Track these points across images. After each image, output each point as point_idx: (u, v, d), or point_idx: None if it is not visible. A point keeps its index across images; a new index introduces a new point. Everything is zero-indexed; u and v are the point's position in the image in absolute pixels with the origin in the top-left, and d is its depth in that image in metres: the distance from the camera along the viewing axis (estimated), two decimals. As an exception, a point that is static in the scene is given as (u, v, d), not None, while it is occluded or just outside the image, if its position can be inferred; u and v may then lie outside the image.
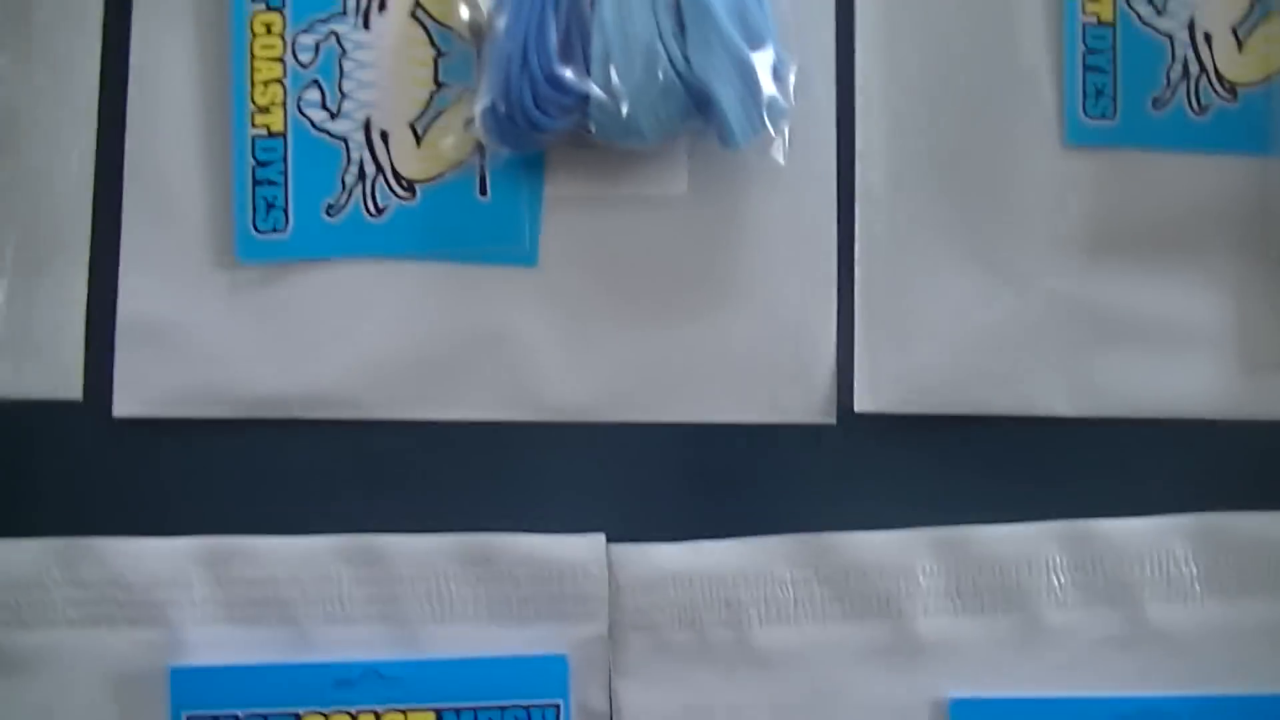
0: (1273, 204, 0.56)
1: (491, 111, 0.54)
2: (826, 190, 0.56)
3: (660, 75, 0.52)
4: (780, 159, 0.54)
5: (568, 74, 0.53)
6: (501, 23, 0.54)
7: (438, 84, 0.56)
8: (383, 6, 0.57)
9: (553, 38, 0.53)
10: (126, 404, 0.56)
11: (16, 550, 0.55)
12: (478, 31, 0.55)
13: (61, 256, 0.57)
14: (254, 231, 0.55)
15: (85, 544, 0.55)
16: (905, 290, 0.56)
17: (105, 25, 0.58)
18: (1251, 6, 0.57)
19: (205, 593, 0.55)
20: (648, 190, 0.56)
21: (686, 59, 0.52)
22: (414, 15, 0.56)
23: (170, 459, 0.57)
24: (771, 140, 0.54)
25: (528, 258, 0.55)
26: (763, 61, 0.53)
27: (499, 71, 0.53)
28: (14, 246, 0.57)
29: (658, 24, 0.52)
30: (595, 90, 0.53)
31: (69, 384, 0.57)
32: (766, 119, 0.53)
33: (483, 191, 0.55)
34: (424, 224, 0.56)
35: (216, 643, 0.55)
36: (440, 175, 0.56)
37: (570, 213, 0.56)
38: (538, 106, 0.53)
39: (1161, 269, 0.56)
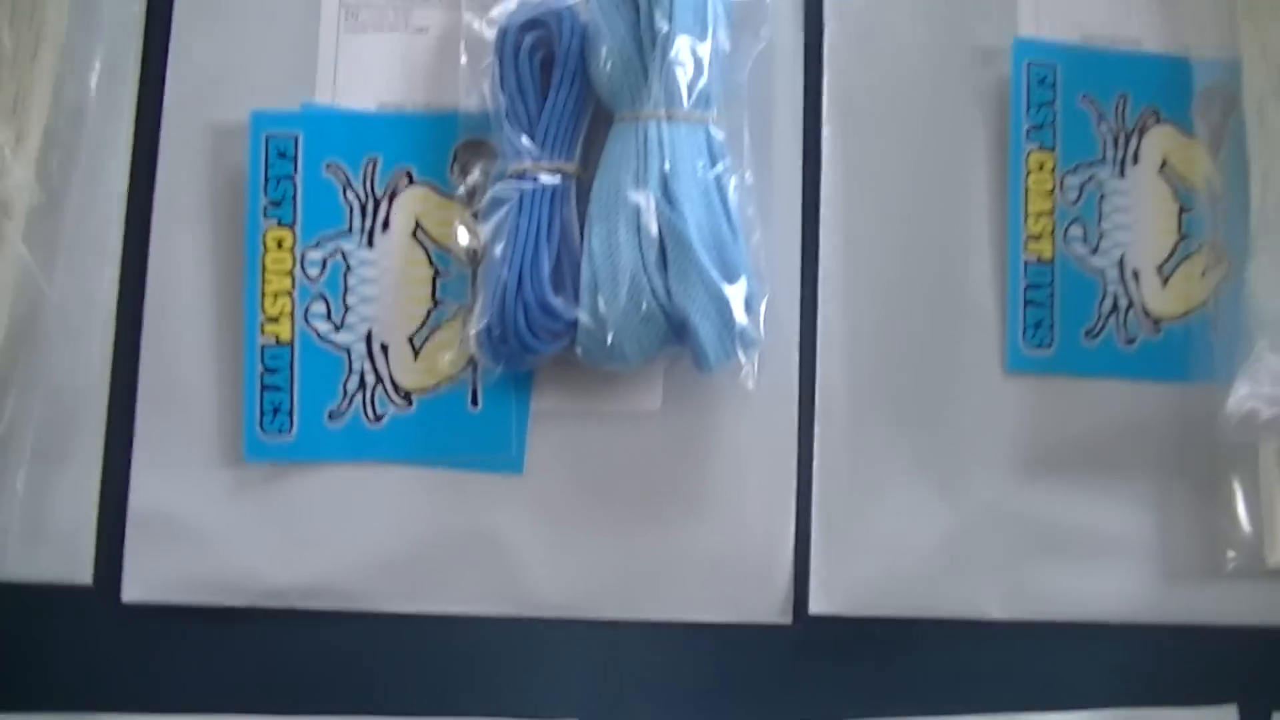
0: (1191, 426, 0.62)
1: (487, 333, 0.59)
2: (789, 412, 0.61)
3: (643, 305, 0.57)
4: (749, 384, 0.59)
5: (558, 302, 0.58)
6: (498, 249, 0.59)
7: (435, 301, 0.61)
8: (386, 226, 0.61)
9: (545, 266, 0.58)
10: (135, 590, 0.60)
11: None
12: (474, 255, 0.60)
13: (78, 448, 0.61)
14: (260, 433, 0.60)
15: None
16: (858, 503, 0.61)
17: (127, 230, 0.63)
18: (1175, 247, 0.62)
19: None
20: (626, 407, 0.61)
21: (668, 290, 0.57)
22: (415, 236, 0.61)
23: (175, 644, 0.61)
24: (742, 366, 0.59)
25: (515, 465, 0.60)
26: (736, 294, 0.58)
27: (495, 296, 0.58)
28: (33, 436, 0.61)
29: (642, 257, 0.57)
30: (583, 317, 0.58)
31: (80, 569, 0.61)
32: (738, 347, 0.58)
33: (474, 403, 0.60)
34: (419, 432, 0.61)
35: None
36: (436, 387, 0.61)
37: (555, 425, 0.61)
38: (530, 331, 0.58)
39: (1091, 484, 0.62)
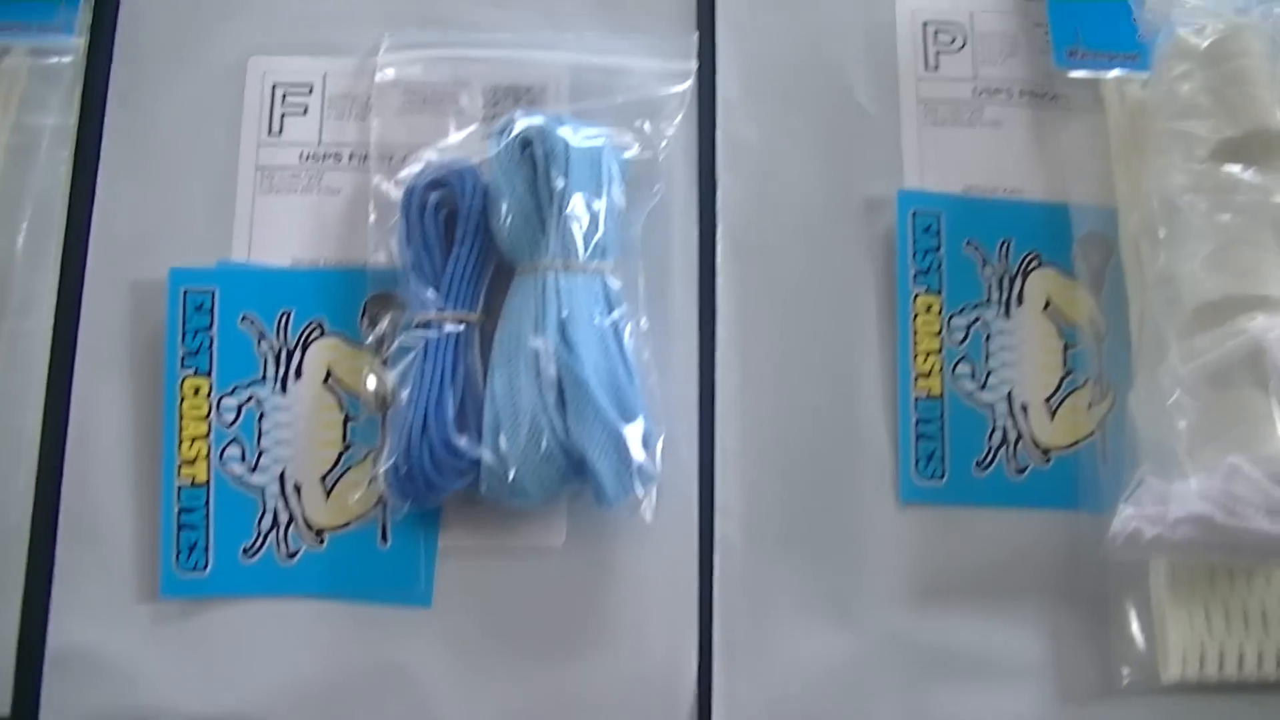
0: (1081, 552, 0.64)
1: (394, 471, 0.61)
2: (689, 543, 0.64)
3: (543, 444, 0.60)
4: (648, 516, 0.62)
5: (462, 441, 0.61)
6: (405, 393, 0.62)
7: (346, 444, 0.64)
8: (299, 374, 0.64)
9: (450, 409, 0.61)
10: (52, 722, 0.62)
11: None
12: (382, 400, 0.63)
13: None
14: (177, 569, 0.62)
15: None
16: (759, 631, 0.63)
17: (50, 376, 0.66)
18: (1061, 382, 0.65)
19: None
20: (530, 542, 0.63)
21: (566, 430, 0.60)
22: (326, 383, 0.64)
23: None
24: (640, 501, 0.61)
25: (423, 599, 0.63)
26: (633, 433, 0.61)
27: (401, 436, 0.61)
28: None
29: (542, 399, 0.60)
30: (487, 456, 0.60)
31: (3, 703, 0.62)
32: (636, 482, 0.60)
33: (384, 539, 0.63)
34: (331, 567, 0.63)
35: None
36: (347, 524, 0.63)
37: (461, 560, 0.63)
38: (435, 469, 0.61)
39: (985, 609, 0.64)
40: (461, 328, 0.62)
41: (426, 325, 0.62)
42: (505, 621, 0.63)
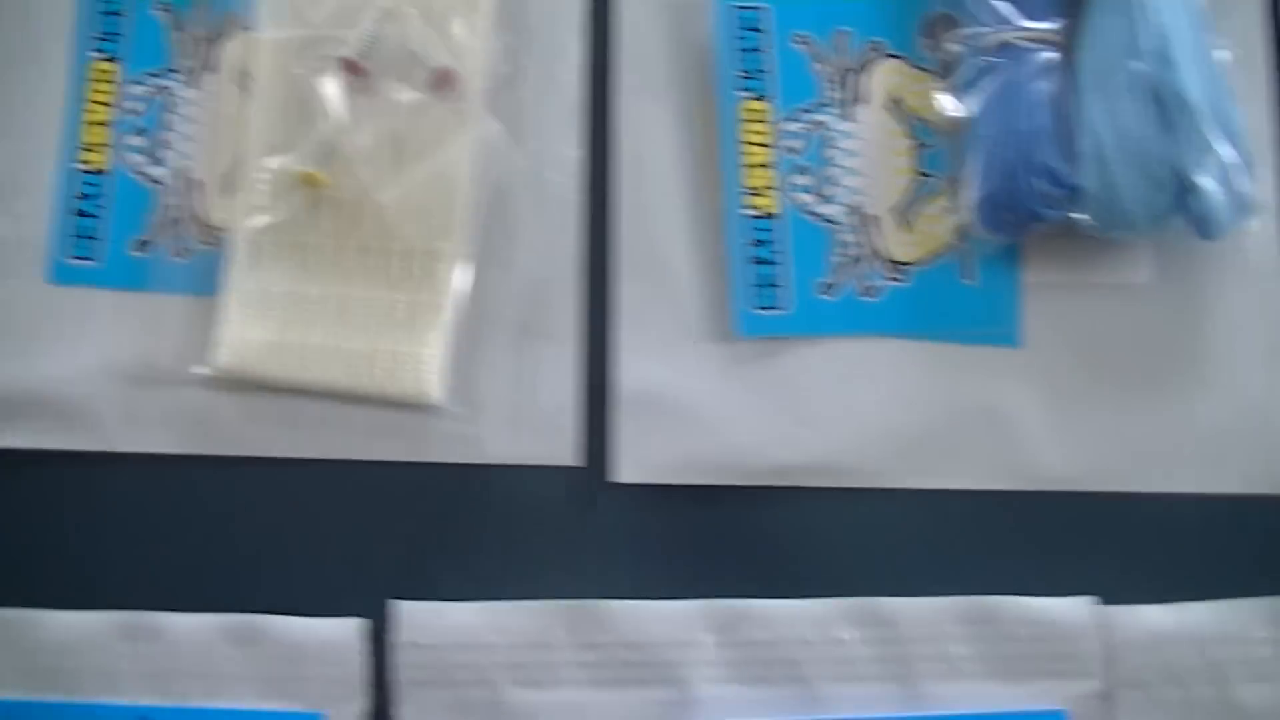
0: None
1: (988, 201, 0.58)
2: (1283, 279, 0.60)
3: (1150, 170, 0.56)
4: (1249, 253, 0.58)
5: (1064, 169, 0.57)
6: (994, 120, 0.58)
7: (919, 173, 0.60)
8: (861, 99, 0.60)
9: (1045, 135, 0.57)
10: (628, 470, 0.58)
11: (525, 613, 0.57)
12: (954, 125, 0.59)
13: (557, 327, 0.60)
14: (754, 308, 0.58)
15: (592, 607, 0.57)
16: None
17: (593, 110, 0.61)
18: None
19: (715, 654, 0.57)
20: (1115, 278, 0.60)
21: (1176, 154, 0.57)
22: (891, 109, 0.60)
23: (670, 525, 0.59)
24: (1241, 233, 0.58)
25: (1010, 338, 0.59)
26: (1237, 159, 0.57)
27: (992, 165, 0.57)
28: (514, 316, 0.59)
29: (1145, 121, 0.57)
30: (1091, 185, 0.57)
31: (567, 450, 0.58)
32: (1242, 212, 0.57)
33: (967, 275, 0.59)
34: (914, 305, 0.60)
35: (727, 701, 0.57)
36: (928, 258, 0.59)
37: (1044, 296, 0.60)
38: (1036, 198, 0.57)
39: None
40: (1046, 47, 0.57)
41: (1006, 46, 0.57)
42: (1095, 360, 0.60)
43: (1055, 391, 0.59)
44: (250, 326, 0.58)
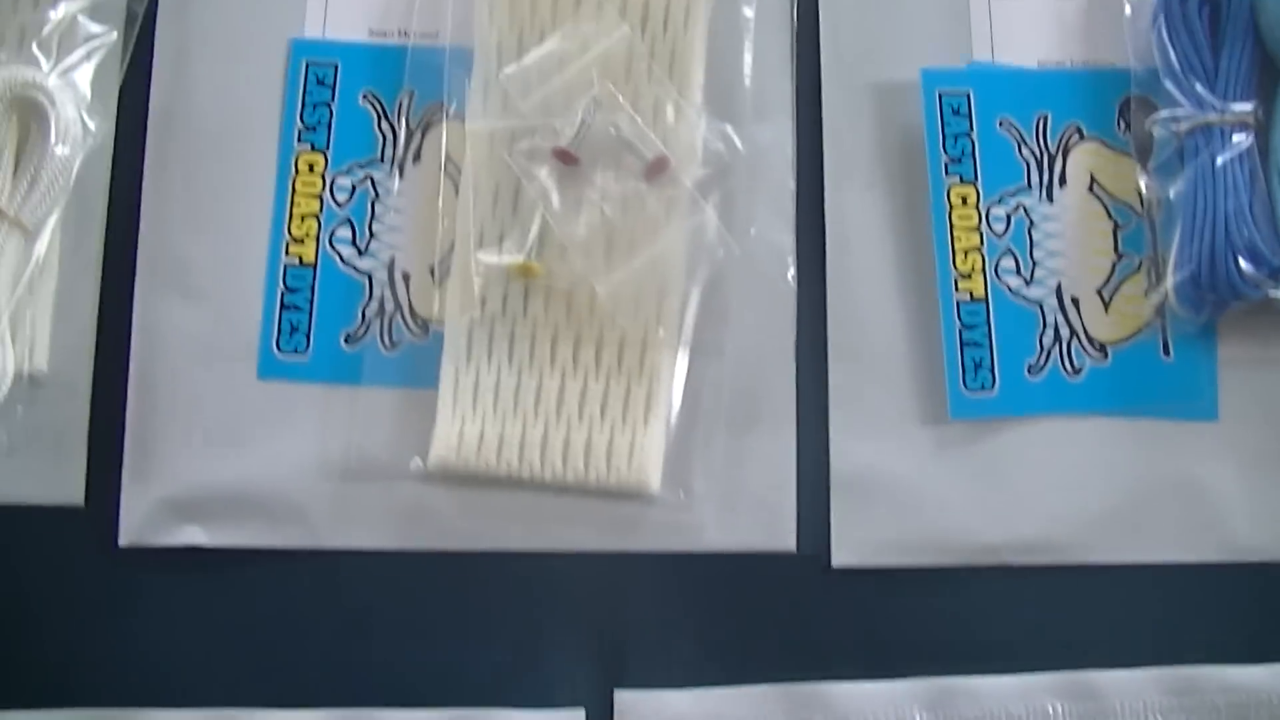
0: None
1: (1189, 283, 0.59)
2: None
3: (1347, 248, 0.58)
4: None
5: (1267, 249, 0.59)
6: (1196, 201, 0.59)
7: (1118, 254, 0.61)
8: (1063, 181, 0.61)
9: (1248, 215, 0.59)
10: (844, 554, 0.59)
11: (744, 699, 0.58)
12: (1150, 208, 0.61)
13: (770, 412, 0.61)
14: (964, 390, 0.60)
15: (809, 689, 0.58)
16: None
17: (803, 194, 0.62)
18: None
19: (931, 731, 0.58)
20: (1310, 351, 0.61)
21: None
22: (1091, 190, 0.61)
23: (887, 605, 0.60)
24: None
25: (1209, 413, 0.61)
26: None
27: (1195, 245, 0.59)
28: (727, 401, 0.60)
29: (1341, 201, 0.58)
30: (1290, 263, 0.58)
31: (782, 535, 0.59)
32: None
33: (1166, 353, 0.61)
34: (1115, 383, 0.61)
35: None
36: (1128, 338, 0.61)
37: (1240, 370, 0.62)
38: (1240, 278, 0.59)
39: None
40: (1243, 131, 0.59)
41: (1205, 128, 0.59)
42: (1293, 432, 0.60)
43: (1253, 464, 0.61)
44: (465, 420, 0.58)
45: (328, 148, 0.61)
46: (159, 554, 0.59)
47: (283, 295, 0.60)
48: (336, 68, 0.61)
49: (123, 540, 0.59)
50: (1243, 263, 0.58)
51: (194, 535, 0.58)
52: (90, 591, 0.59)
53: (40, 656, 0.58)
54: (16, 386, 0.58)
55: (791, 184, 0.61)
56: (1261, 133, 0.60)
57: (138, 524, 0.58)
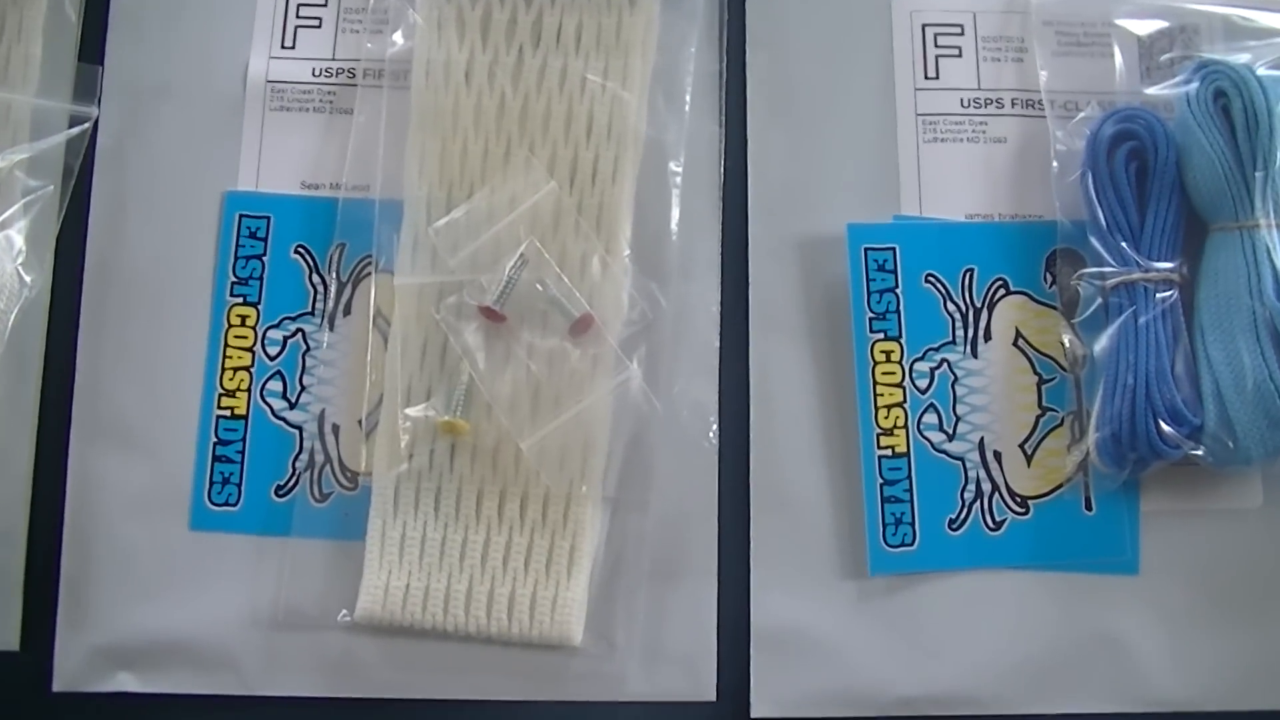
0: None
1: (1111, 440, 0.60)
2: None
3: (1269, 409, 0.59)
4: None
5: (1186, 410, 0.59)
6: (1119, 358, 0.60)
7: (1041, 408, 0.62)
8: (988, 336, 0.62)
9: (1169, 375, 0.59)
10: (764, 705, 0.60)
11: None
12: (1074, 362, 0.61)
13: (692, 566, 0.61)
14: (884, 546, 0.60)
15: None
16: None
17: (726, 351, 0.63)
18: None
19: None
20: (1228, 504, 0.62)
21: (1289, 392, 0.59)
22: (1016, 345, 0.62)
23: (805, 758, 0.60)
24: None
25: (1130, 567, 0.62)
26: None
27: (1117, 404, 0.60)
28: (649, 555, 0.61)
29: (1265, 362, 0.59)
30: (1210, 424, 0.59)
31: (704, 687, 0.60)
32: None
33: (1088, 507, 0.61)
34: (1036, 537, 0.62)
35: None
36: (1050, 493, 0.61)
37: (1161, 524, 0.62)
38: (1160, 438, 0.59)
39: None
40: (1168, 288, 0.59)
41: (1130, 285, 0.59)
42: (1212, 586, 0.62)
43: (1173, 616, 0.61)
44: (391, 573, 0.59)
45: (260, 301, 0.61)
46: (92, 699, 0.60)
47: (215, 447, 0.60)
48: (269, 220, 0.62)
49: (56, 685, 0.60)
50: (1163, 424, 0.58)
51: (126, 682, 0.59)
52: (24, 736, 0.59)
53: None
54: (-47, 535, 0.58)
55: (716, 341, 0.61)
56: (1186, 288, 0.60)
57: (71, 670, 0.59)
